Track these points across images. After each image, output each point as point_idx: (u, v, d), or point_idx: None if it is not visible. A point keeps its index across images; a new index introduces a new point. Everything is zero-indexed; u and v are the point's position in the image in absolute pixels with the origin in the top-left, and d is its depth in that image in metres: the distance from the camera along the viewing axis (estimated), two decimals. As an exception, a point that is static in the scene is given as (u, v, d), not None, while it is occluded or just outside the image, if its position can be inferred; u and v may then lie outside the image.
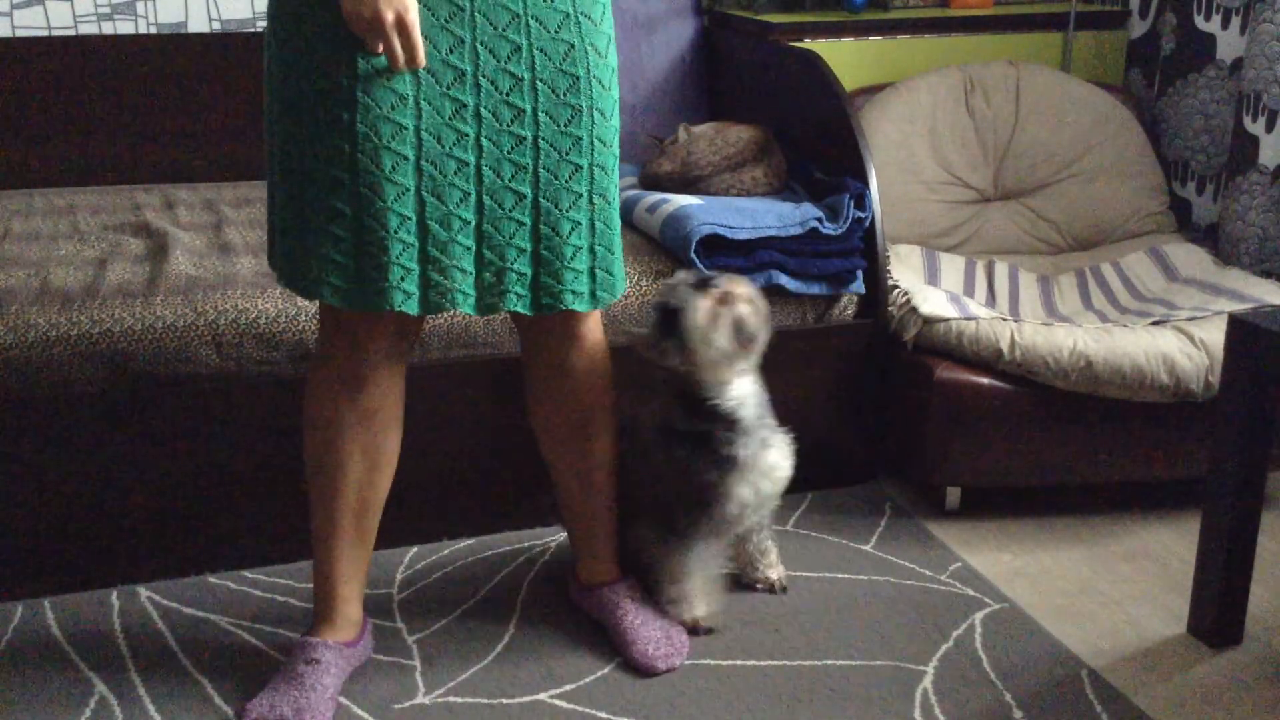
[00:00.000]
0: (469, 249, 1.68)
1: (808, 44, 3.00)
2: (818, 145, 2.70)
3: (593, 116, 1.70)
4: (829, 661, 1.98)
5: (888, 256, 2.53)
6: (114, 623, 2.08)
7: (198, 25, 3.04)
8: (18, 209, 2.71)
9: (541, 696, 1.90)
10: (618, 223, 1.81)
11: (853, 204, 2.45)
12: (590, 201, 1.74)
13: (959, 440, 2.37)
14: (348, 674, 1.90)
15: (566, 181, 1.70)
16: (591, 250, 1.76)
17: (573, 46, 1.67)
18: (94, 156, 2.98)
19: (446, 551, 2.32)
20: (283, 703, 1.79)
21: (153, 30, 3.01)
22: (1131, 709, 1.87)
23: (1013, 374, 2.36)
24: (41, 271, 2.28)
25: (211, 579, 2.22)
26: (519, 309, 1.72)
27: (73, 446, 2.11)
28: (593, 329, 1.89)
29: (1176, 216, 3.00)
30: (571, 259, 1.73)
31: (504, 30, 1.64)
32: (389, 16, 1.52)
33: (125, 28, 3.00)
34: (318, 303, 1.82)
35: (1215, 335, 2.33)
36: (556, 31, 1.66)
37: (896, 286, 2.51)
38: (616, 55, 1.75)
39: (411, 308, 1.65)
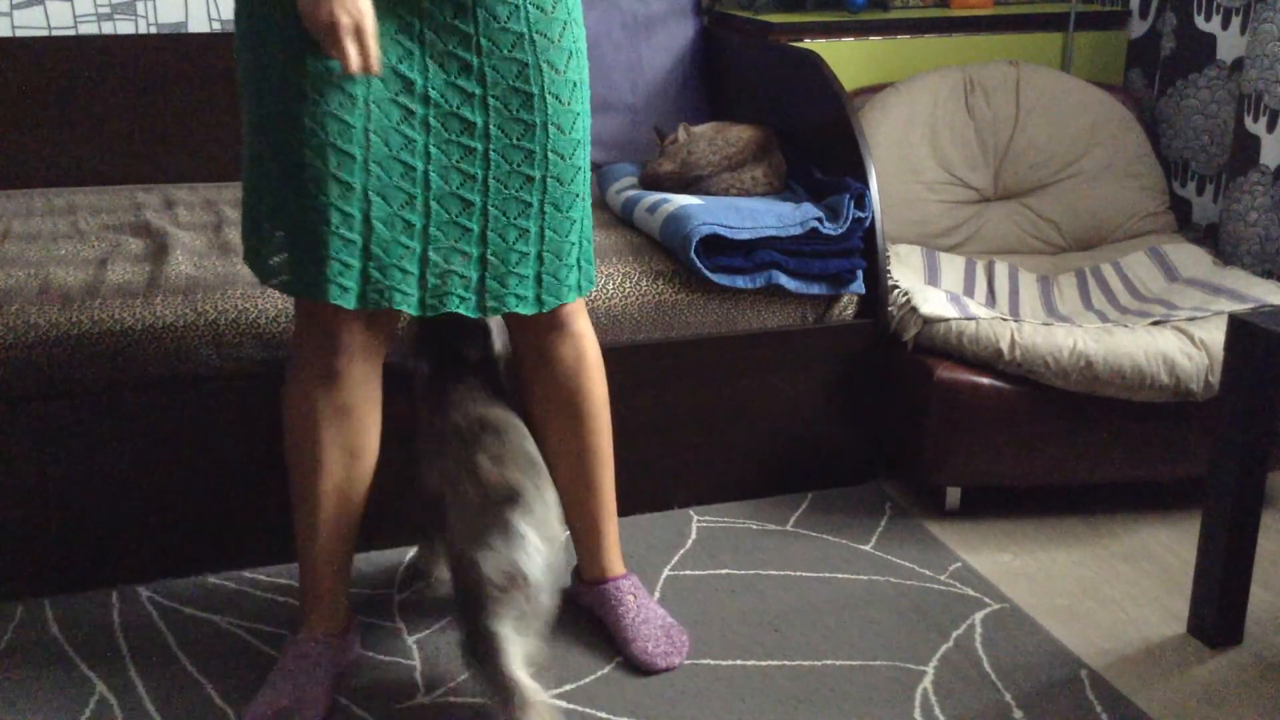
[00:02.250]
0: (412, 250, 1.71)
1: (808, 44, 3.00)
2: (818, 145, 2.70)
3: (548, 131, 1.74)
4: (829, 661, 1.98)
5: (888, 256, 2.53)
6: (114, 623, 2.08)
7: (198, 25, 3.04)
8: (18, 209, 2.71)
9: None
10: (578, 229, 1.84)
11: (853, 204, 2.45)
12: (541, 211, 1.78)
13: (959, 440, 2.37)
14: (340, 666, 1.91)
15: (517, 191, 1.75)
16: (539, 257, 1.80)
17: (526, 65, 1.70)
18: (94, 156, 2.98)
19: (446, 551, 2.32)
20: (281, 696, 1.80)
21: (153, 30, 3.01)
22: (1131, 709, 1.87)
23: (1013, 374, 2.36)
24: (41, 271, 2.28)
25: (211, 579, 2.22)
26: (462, 310, 1.77)
27: (73, 446, 2.11)
28: (576, 318, 1.91)
29: (1176, 216, 3.00)
30: (517, 264, 1.78)
31: (454, 48, 1.68)
32: (344, 20, 1.55)
33: (125, 28, 3.00)
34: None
35: (1215, 335, 2.33)
36: (510, 51, 1.69)
37: (896, 286, 2.52)
38: (584, 69, 1.79)
39: (348, 302, 1.69)
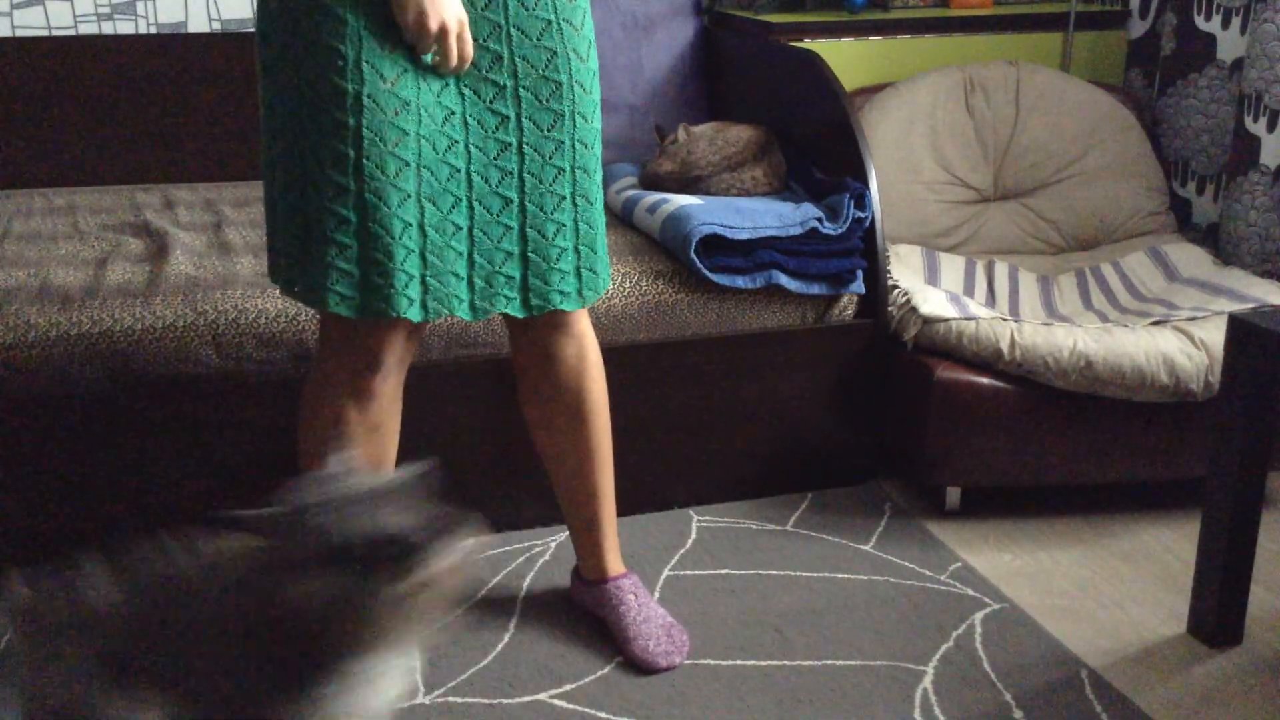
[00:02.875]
0: (462, 254, 1.70)
1: (808, 44, 3.00)
2: (818, 145, 2.70)
3: (574, 121, 1.73)
4: (829, 661, 1.98)
5: (888, 256, 2.53)
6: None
7: (198, 25, 3.04)
8: (18, 209, 2.71)
9: (541, 696, 1.90)
10: (602, 222, 1.84)
11: (853, 204, 2.45)
12: (574, 203, 1.76)
13: (959, 440, 2.37)
14: None
15: (550, 185, 1.73)
16: (576, 250, 1.79)
17: (555, 53, 1.69)
18: (94, 156, 2.98)
19: (446, 551, 2.31)
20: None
21: (153, 30, 3.01)
22: (1131, 709, 1.87)
23: (1013, 374, 2.36)
24: (41, 271, 2.28)
25: (211, 579, 2.21)
26: (509, 311, 1.75)
27: (73, 446, 2.11)
28: (578, 317, 1.90)
29: (1176, 216, 3.00)
30: (558, 260, 1.76)
31: (485, 41, 1.67)
32: (452, 25, 1.59)
33: (125, 28, 3.00)
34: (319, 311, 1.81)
35: (1215, 335, 2.33)
36: (539, 39, 1.68)
37: (896, 286, 2.52)
38: (597, 58, 1.78)
39: (415, 314, 1.66)
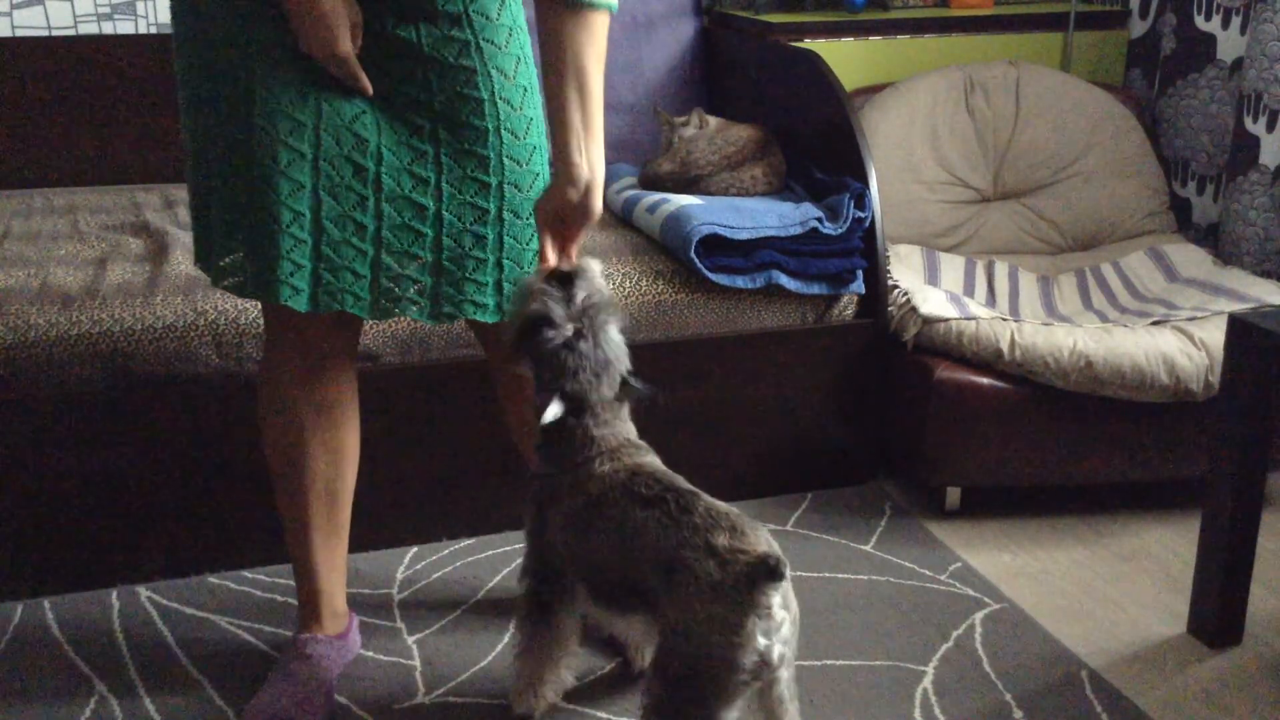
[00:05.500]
0: (364, 252, 1.67)
1: (808, 44, 3.00)
2: (818, 145, 2.70)
3: (501, 136, 1.70)
4: (829, 661, 1.98)
5: (888, 256, 2.53)
6: (114, 623, 2.08)
7: (198, 25, 3.04)
8: (18, 209, 2.71)
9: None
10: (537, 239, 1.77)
11: (853, 204, 2.45)
12: (500, 218, 1.73)
13: (959, 440, 2.37)
14: (341, 667, 1.91)
15: (472, 197, 1.70)
16: (499, 264, 1.75)
17: (474, 71, 1.67)
18: (94, 156, 2.98)
19: (446, 551, 2.32)
20: (282, 699, 1.80)
21: (153, 30, 3.01)
22: (1131, 709, 1.87)
23: (1013, 374, 2.36)
24: (41, 271, 2.28)
25: (211, 579, 2.22)
26: (417, 316, 1.73)
27: (73, 446, 2.11)
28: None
29: (1176, 216, 3.00)
30: (474, 271, 1.73)
31: (397, 56, 1.66)
32: (322, 55, 1.60)
33: (125, 28, 3.00)
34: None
35: (1215, 335, 2.33)
36: (456, 58, 1.66)
37: (896, 286, 2.51)
38: (534, 74, 1.74)
39: (299, 304, 1.66)
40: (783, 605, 1.49)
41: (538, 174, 1.76)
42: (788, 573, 1.47)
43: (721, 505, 1.56)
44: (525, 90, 1.73)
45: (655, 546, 1.53)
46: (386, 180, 1.67)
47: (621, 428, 1.71)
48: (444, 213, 1.70)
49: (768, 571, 1.45)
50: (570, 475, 1.66)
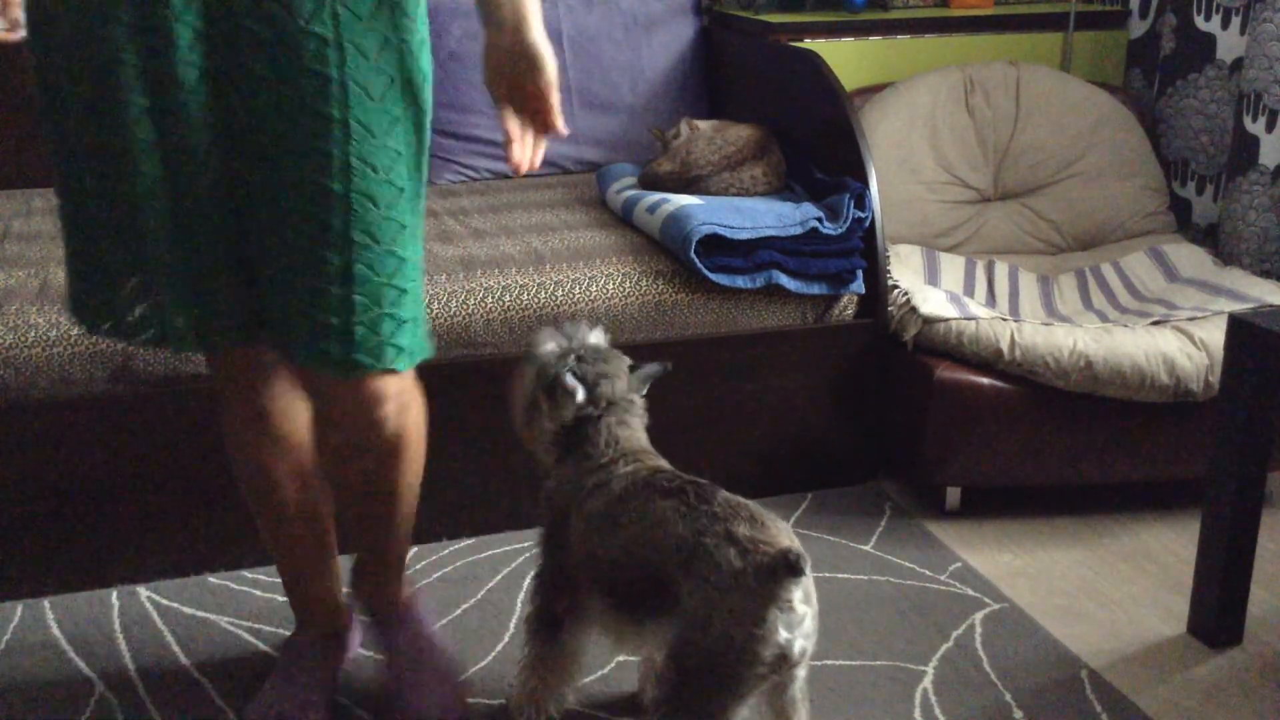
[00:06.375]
0: (188, 278, 1.46)
1: (808, 44, 3.00)
2: (818, 145, 2.70)
3: (349, 130, 1.38)
4: (829, 661, 1.98)
5: (888, 256, 2.53)
6: (114, 623, 2.08)
7: (198, 25, 3.03)
8: (18, 209, 2.71)
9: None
10: (406, 271, 1.48)
11: (853, 204, 2.45)
12: (349, 239, 1.41)
13: (959, 440, 2.37)
14: (341, 664, 1.90)
15: (310, 209, 1.40)
16: (347, 303, 1.43)
17: (326, 41, 1.37)
18: (94, 156, 2.98)
19: (446, 551, 2.31)
20: (281, 698, 1.79)
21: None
22: (1131, 709, 1.87)
23: (1013, 374, 2.36)
24: (41, 271, 2.28)
25: (211, 579, 2.22)
26: (239, 343, 1.53)
27: (73, 446, 2.11)
28: (402, 395, 1.59)
29: (1176, 216, 3.00)
30: (312, 307, 1.43)
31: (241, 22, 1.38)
32: None
33: (125, 28, 2.99)
34: None
35: (1215, 335, 2.33)
36: (308, 23, 1.37)
37: (896, 286, 2.51)
38: (419, 68, 1.45)
39: (126, 333, 1.49)
40: (804, 600, 1.50)
41: (402, 190, 1.44)
42: (809, 569, 1.48)
43: (740, 498, 1.57)
44: (391, 81, 1.41)
45: (675, 535, 1.53)
46: (200, 199, 1.41)
47: (638, 432, 1.74)
48: (272, 232, 1.43)
49: (788, 566, 1.45)
50: (593, 476, 1.67)
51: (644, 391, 1.77)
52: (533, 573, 1.78)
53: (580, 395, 1.70)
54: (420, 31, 1.46)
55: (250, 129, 1.39)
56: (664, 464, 1.70)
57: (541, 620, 1.73)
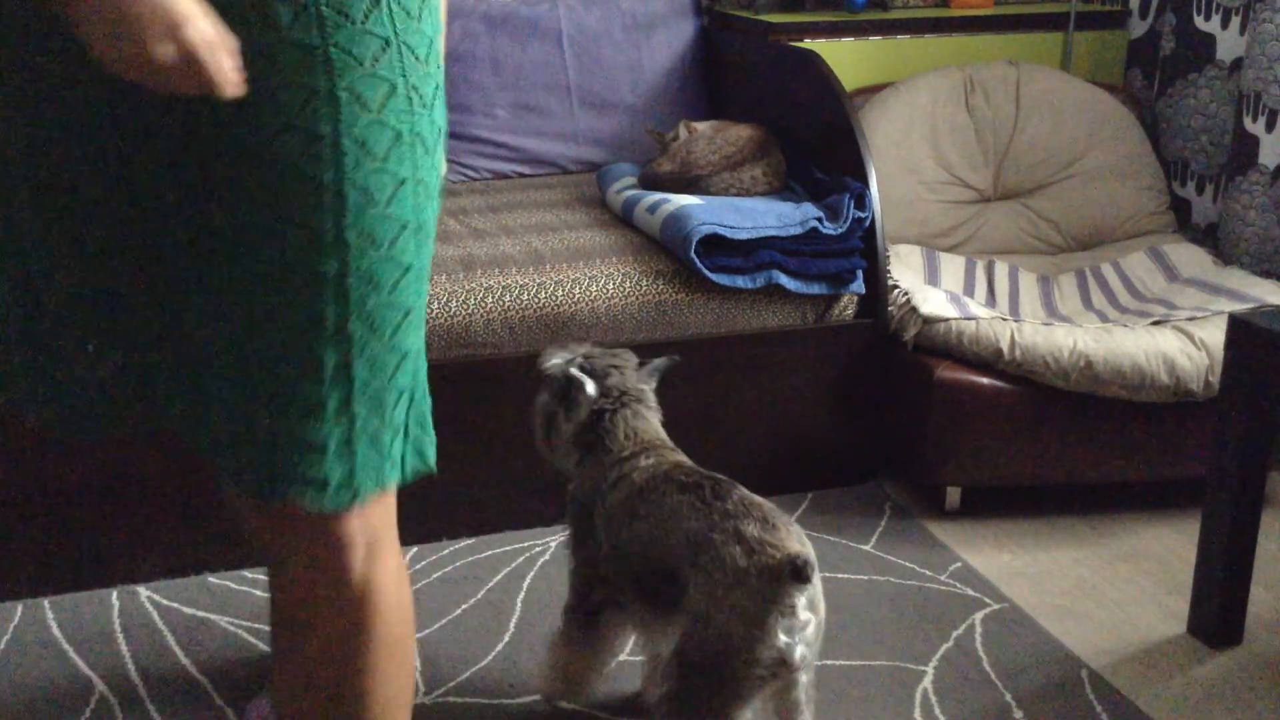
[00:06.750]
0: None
1: (808, 44, 3.00)
2: (818, 145, 2.70)
3: (344, 196, 1.02)
4: (829, 661, 1.98)
5: (888, 256, 2.53)
6: (114, 623, 2.08)
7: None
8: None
9: (541, 696, 1.90)
10: (405, 374, 1.14)
11: (853, 204, 2.45)
12: (343, 332, 1.07)
13: (959, 440, 2.37)
14: None
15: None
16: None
17: (314, 92, 1.01)
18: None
19: (446, 551, 2.32)
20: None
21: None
22: (1131, 709, 1.87)
23: (1013, 374, 2.36)
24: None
25: (211, 579, 2.22)
26: (234, 485, 1.14)
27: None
28: (350, 548, 1.16)
29: (1176, 216, 3.00)
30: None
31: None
32: (200, 37, 0.92)
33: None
34: None
35: (1215, 335, 2.33)
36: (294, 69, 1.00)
37: (896, 286, 2.51)
38: (429, 122, 1.08)
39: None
40: (808, 607, 1.49)
41: (407, 268, 1.09)
42: (816, 577, 1.48)
43: (757, 498, 1.58)
44: (398, 138, 1.04)
45: (687, 529, 1.55)
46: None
47: (654, 424, 1.77)
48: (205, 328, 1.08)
49: (794, 571, 1.45)
50: (615, 470, 1.69)
51: (654, 384, 1.79)
52: (568, 570, 1.81)
53: (590, 388, 1.72)
54: (427, 76, 1.09)
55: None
56: (683, 458, 1.72)
57: (577, 611, 1.76)
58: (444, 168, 1.15)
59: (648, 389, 1.79)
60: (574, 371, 1.72)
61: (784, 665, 1.48)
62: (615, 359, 1.77)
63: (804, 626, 1.49)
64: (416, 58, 1.05)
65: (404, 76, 1.04)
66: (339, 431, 1.09)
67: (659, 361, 1.81)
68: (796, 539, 1.52)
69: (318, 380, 1.06)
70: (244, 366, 1.06)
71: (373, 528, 1.17)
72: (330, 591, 1.15)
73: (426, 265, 1.13)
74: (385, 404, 1.12)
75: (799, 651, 1.49)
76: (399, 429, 1.15)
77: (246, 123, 0.99)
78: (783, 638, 1.47)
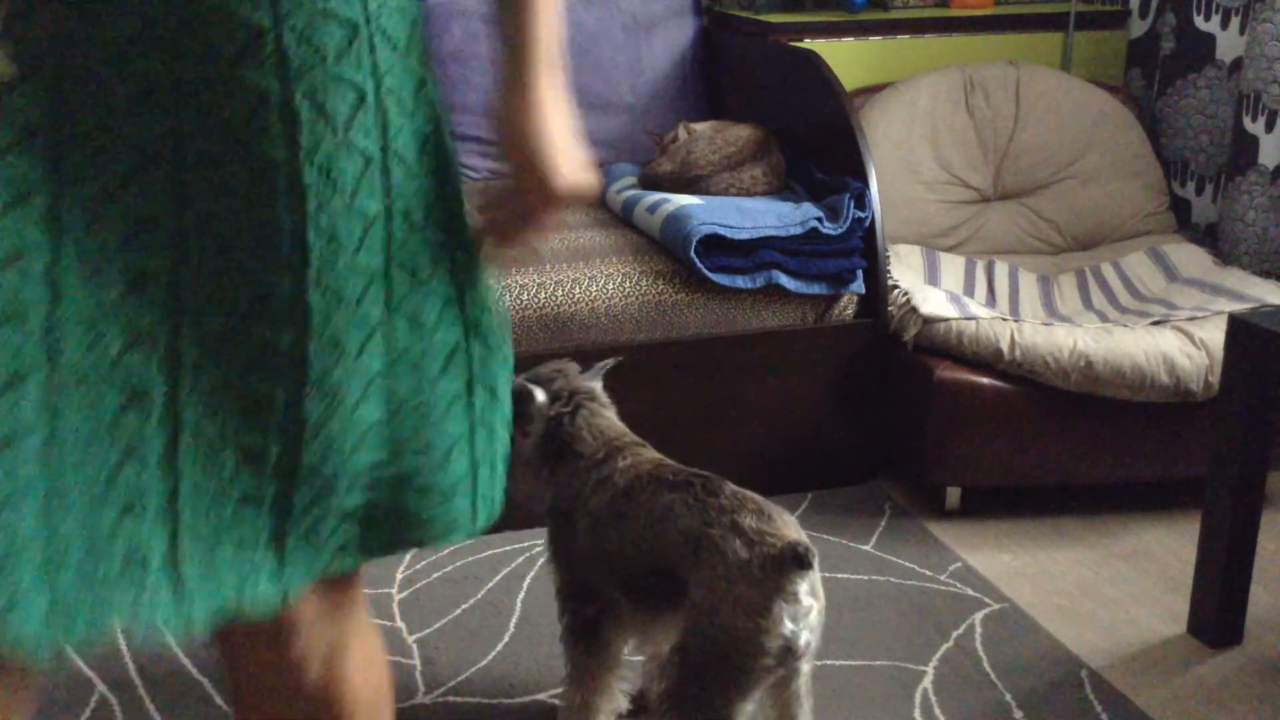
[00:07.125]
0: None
1: (808, 44, 3.00)
2: (818, 145, 2.70)
3: (392, 225, 1.00)
4: (829, 661, 1.98)
5: (888, 256, 2.53)
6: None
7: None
8: None
9: (541, 696, 1.90)
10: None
11: (853, 204, 2.45)
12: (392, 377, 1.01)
13: (959, 440, 2.37)
14: None
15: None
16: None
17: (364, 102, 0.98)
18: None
19: (446, 551, 2.32)
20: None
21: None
22: (1131, 709, 1.87)
23: (1013, 374, 2.36)
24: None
25: (211, 579, 2.21)
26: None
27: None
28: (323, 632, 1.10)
29: (1176, 216, 3.00)
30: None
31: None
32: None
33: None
34: None
35: (1215, 335, 2.33)
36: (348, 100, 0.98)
37: (896, 286, 2.52)
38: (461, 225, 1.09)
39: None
40: (810, 593, 1.50)
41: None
42: (815, 563, 1.48)
43: (747, 491, 1.57)
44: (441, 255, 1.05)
45: (683, 527, 1.54)
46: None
47: (615, 421, 1.75)
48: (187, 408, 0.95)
49: (795, 558, 1.46)
50: (593, 474, 1.67)
51: (601, 383, 1.79)
52: (555, 591, 1.77)
53: (540, 395, 1.71)
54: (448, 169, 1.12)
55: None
56: (658, 454, 1.71)
57: (575, 631, 1.72)
58: None
59: (597, 386, 1.77)
60: (519, 382, 1.70)
61: (790, 653, 1.49)
62: (555, 366, 1.76)
63: (808, 612, 1.49)
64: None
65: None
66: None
67: (601, 364, 1.80)
68: (793, 527, 1.52)
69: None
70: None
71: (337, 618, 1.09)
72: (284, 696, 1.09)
73: None
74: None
75: (804, 638, 1.49)
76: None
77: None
78: (789, 625, 1.47)
